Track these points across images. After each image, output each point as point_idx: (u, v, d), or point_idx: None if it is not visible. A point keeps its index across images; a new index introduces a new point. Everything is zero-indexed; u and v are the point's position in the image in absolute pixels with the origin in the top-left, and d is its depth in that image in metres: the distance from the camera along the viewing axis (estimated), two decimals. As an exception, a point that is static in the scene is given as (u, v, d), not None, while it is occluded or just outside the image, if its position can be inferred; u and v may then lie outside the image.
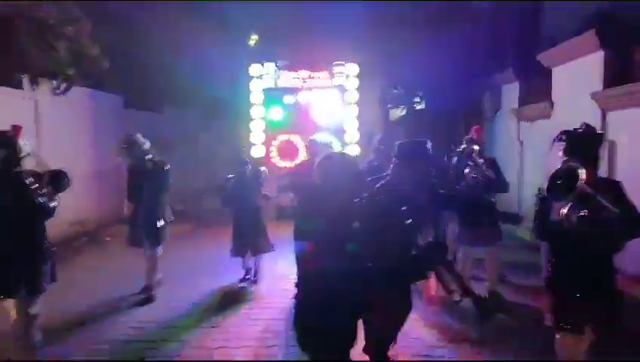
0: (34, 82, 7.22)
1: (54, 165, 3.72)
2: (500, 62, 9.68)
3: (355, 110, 10.26)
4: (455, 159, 5.15)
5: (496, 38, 10.31)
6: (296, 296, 2.69)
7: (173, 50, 10.77)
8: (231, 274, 5.86)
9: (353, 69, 10.25)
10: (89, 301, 5.05)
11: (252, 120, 10.14)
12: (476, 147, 4.86)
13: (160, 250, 5.17)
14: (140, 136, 5.09)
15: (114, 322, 4.57)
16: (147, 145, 5.09)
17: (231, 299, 5.22)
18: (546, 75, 7.65)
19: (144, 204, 5.08)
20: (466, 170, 4.75)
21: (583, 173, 2.67)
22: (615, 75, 5.80)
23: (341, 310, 2.41)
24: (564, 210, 2.71)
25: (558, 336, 2.98)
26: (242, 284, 5.70)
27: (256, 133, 10.17)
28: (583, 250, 2.85)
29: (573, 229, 2.69)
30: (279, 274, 5.93)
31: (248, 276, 5.82)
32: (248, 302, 5.16)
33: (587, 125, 3.06)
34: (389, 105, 16.82)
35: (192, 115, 13.37)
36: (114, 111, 10.17)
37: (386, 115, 17.02)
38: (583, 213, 2.63)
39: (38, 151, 4.62)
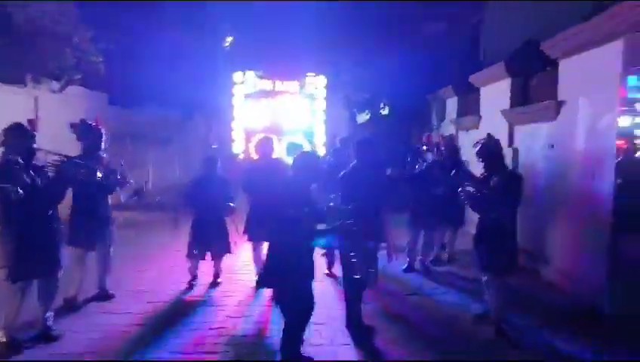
0: (36, 80, 8.26)
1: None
2: (446, 78, 11.24)
3: (322, 116, 12.06)
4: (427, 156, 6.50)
5: (444, 56, 11.88)
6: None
7: (156, 50, 11.83)
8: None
9: (322, 80, 12.02)
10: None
11: (233, 119, 11.74)
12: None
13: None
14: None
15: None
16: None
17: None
18: (478, 92, 9.19)
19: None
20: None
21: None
22: (519, 97, 7.34)
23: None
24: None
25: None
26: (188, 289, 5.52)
27: (237, 132, 11.73)
28: None
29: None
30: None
31: (194, 282, 5.63)
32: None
33: (489, 136, 4.67)
34: (355, 110, 18.32)
35: (171, 113, 14.43)
36: (100, 107, 11.16)
37: (353, 118, 18.49)
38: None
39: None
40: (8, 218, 3.84)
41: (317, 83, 12.01)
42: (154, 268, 6.36)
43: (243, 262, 6.55)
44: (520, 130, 7.33)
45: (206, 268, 5.79)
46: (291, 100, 11.86)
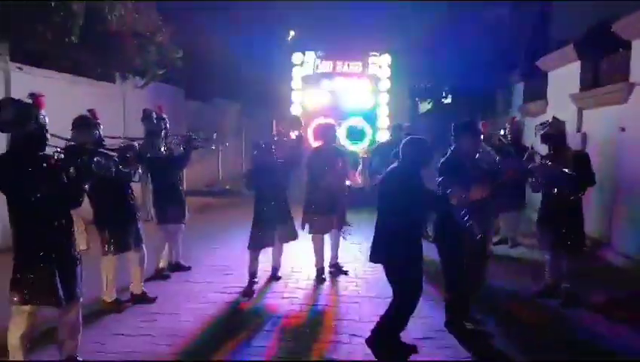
0: (124, 77, 9.15)
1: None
2: (511, 64, 11.00)
3: (386, 98, 10.86)
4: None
5: (508, 42, 11.60)
6: None
7: (226, 47, 12.52)
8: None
9: (386, 59, 10.92)
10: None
11: (292, 104, 10.91)
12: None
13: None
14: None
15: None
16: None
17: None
18: (545, 77, 8.97)
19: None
20: None
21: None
22: (589, 80, 7.14)
23: None
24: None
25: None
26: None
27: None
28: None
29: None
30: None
31: (256, 279, 5.22)
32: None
33: (554, 118, 4.75)
34: (418, 99, 18.24)
35: (240, 106, 15.23)
36: (177, 101, 12.08)
37: (415, 107, 18.42)
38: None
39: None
40: (100, 200, 4.34)
41: (381, 62, 10.88)
42: (224, 247, 6.91)
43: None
44: (589, 114, 7.14)
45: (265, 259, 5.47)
46: (353, 82, 10.81)
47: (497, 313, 4.52)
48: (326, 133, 5.58)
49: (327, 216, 5.39)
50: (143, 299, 4.74)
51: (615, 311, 4.57)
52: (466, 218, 3.43)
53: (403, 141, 3.73)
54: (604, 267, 5.97)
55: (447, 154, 4.08)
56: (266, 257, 5.41)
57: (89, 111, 4.40)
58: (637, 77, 5.83)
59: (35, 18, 6.11)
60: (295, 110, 10.63)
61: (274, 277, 5.48)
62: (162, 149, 5.25)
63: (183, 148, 5.55)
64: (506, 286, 5.23)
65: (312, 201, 5.44)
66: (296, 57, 10.87)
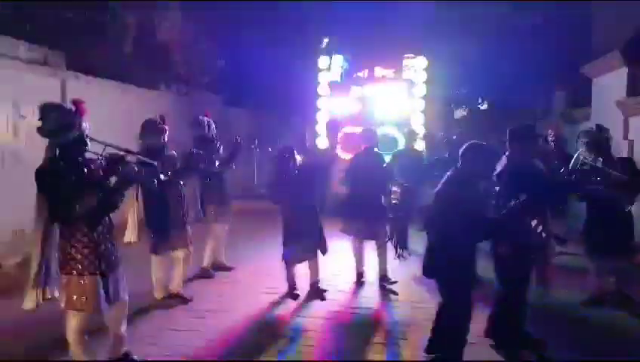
0: (168, 85, 9.51)
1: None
2: (550, 71, 10.80)
3: (421, 104, 10.02)
4: None
5: (546, 48, 11.39)
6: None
7: (265, 57, 12.75)
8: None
9: (422, 62, 10.02)
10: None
11: (319, 110, 10.07)
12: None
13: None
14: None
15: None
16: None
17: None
18: (588, 83, 8.77)
19: None
20: None
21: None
22: (636, 87, 6.96)
23: None
24: None
25: None
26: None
27: (322, 124, 9.86)
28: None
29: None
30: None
31: (296, 290, 5.06)
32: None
33: (597, 126, 4.68)
34: (453, 105, 18.05)
35: (276, 113, 15.47)
36: (217, 108, 12.39)
37: (450, 114, 18.21)
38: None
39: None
40: (148, 200, 4.48)
41: (416, 65, 9.99)
42: (265, 249, 7.01)
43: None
44: (636, 122, 6.95)
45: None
46: (385, 87, 9.93)
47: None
48: (370, 137, 5.53)
49: (366, 221, 5.29)
50: (177, 298, 4.84)
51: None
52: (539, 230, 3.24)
53: (465, 146, 3.43)
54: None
55: (503, 162, 3.74)
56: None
57: (160, 116, 4.61)
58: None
59: (90, 29, 6.46)
60: (322, 118, 9.91)
61: (316, 292, 5.05)
62: (216, 163, 5.45)
63: (230, 152, 5.74)
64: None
65: (351, 206, 5.38)
66: (323, 61, 10.07)
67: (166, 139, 4.59)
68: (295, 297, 4.97)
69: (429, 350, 3.62)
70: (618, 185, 4.31)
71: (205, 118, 5.70)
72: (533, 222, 3.28)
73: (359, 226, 5.35)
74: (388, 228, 5.81)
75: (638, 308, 4.58)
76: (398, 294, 5.18)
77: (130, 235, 4.26)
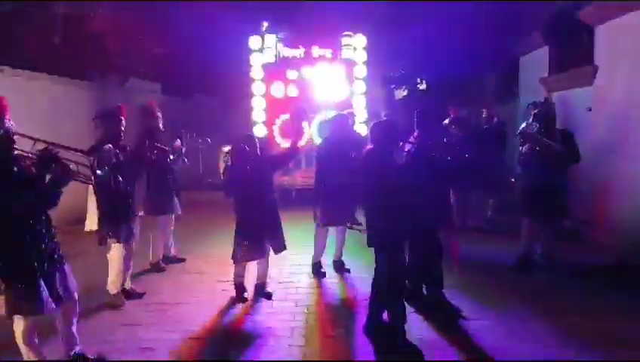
0: (102, 76, 9.12)
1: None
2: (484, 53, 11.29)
3: (362, 86, 9.35)
4: None
5: (482, 30, 11.87)
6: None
7: (201, 44, 12.44)
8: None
9: (361, 40, 9.29)
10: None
11: (253, 96, 9.11)
12: None
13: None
14: None
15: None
16: None
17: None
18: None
19: None
20: None
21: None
22: (557, 65, 7.54)
23: None
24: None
25: None
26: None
27: (258, 111, 9.13)
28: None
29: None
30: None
31: (246, 292, 4.76)
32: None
33: (546, 99, 5.40)
34: (393, 86, 18.43)
35: (216, 101, 15.16)
36: (154, 97, 12.02)
37: (390, 95, 18.59)
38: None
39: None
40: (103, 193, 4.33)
41: (355, 43, 9.27)
42: (214, 238, 7.03)
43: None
44: (556, 97, 7.51)
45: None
46: (323, 69, 9.08)
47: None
48: (341, 122, 5.41)
49: (339, 208, 5.23)
50: (131, 294, 4.77)
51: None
52: None
53: (372, 123, 4.01)
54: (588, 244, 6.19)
55: (410, 140, 4.19)
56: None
57: (118, 106, 4.50)
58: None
59: (16, 21, 6.09)
60: (256, 104, 9.11)
61: (261, 293, 4.79)
62: (170, 156, 5.39)
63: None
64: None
65: (322, 193, 5.23)
66: (254, 41, 9.02)
67: (122, 131, 4.43)
68: (244, 301, 4.67)
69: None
70: (556, 155, 4.79)
71: (155, 108, 5.59)
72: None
73: (335, 214, 5.26)
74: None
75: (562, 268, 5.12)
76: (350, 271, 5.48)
77: (90, 224, 4.15)
